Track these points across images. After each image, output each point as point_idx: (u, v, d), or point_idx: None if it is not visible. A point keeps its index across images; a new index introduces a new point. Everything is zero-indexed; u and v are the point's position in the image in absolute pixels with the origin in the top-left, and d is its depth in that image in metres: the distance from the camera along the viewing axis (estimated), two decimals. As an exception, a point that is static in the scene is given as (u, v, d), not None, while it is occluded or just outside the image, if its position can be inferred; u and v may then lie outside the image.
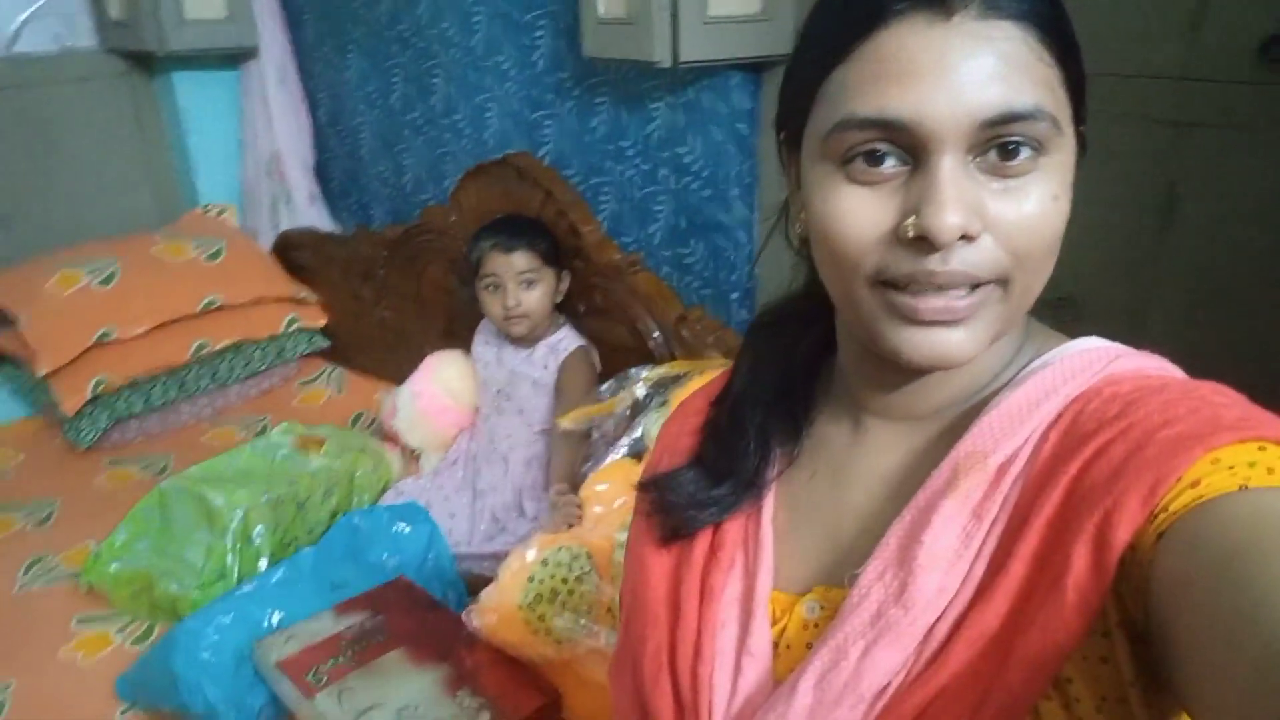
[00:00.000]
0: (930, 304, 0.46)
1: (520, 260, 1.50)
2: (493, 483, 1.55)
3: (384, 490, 1.61)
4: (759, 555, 0.54)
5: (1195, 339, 1.25)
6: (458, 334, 1.83)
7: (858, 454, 0.55)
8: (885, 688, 0.46)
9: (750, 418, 0.58)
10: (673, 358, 1.48)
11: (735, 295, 1.61)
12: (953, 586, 0.45)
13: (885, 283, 0.47)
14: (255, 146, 2.20)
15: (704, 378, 1.32)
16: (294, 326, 2.09)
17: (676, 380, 1.34)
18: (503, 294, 1.51)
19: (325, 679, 1.12)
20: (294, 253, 2.15)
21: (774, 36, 1.45)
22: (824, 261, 0.50)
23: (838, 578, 0.52)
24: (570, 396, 1.48)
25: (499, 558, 1.44)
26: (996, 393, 0.51)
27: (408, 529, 1.39)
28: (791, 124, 0.52)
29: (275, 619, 1.22)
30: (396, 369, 2.02)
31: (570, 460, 1.49)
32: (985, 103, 0.43)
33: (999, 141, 0.44)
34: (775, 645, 0.52)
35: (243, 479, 1.51)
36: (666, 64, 1.39)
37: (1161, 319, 1.28)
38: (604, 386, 1.40)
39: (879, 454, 0.54)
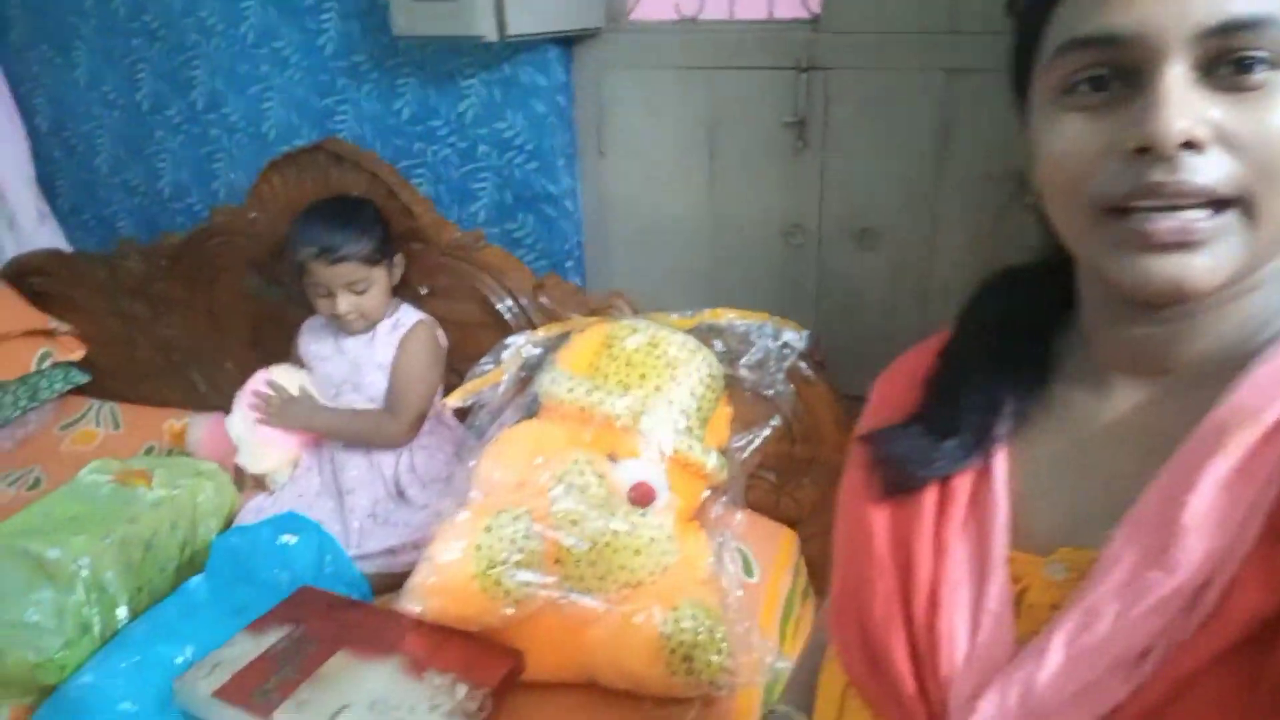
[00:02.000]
0: (1164, 225, 0.44)
1: (347, 271, 1.44)
2: (359, 479, 1.49)
3: (231, 514, 1.48)
4: (993, 514, 0.53)
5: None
6: (266, 342, 1.72)
7: (1103, 412, 0.54)
8: (1146, 652, 0.44)
9: (979, 374, 0.58)
10: (532, 327, 1.52)
11: (569, 264, 1.68)
12: (1220, 550, 0.44)
13: (1113, 211, 0.46)
14: (-41, 164, 1.88)
15: (585, 335, 1.38)
16: (47, 362, 1.83)
17: (561, 340, 1.39)
18: (333, 301, 1.46)
19: (275, 697, 1.05)
20: (32, 279, 1.87)
21: (588, 9, 1.53)
22: (1051, 199, 0.49)
23: (1084, 539, 0.50)
24: (412, 369, 1.46)
25: (394, 552, 1.41)
26: (1261, 348, 0.48)
27: (294, 540, 1.31)
28: (1021, 78, 0.52)
29: (188, 653, 1.11)
30: (188, 392, 1.86)
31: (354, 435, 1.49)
32: (1210, 10, 0.43)
33: (1231, 57, 0.43)
34: (1016, 605, 0.51)
35: (71, 526, 1.32)
36: (493, 38, 1.42)
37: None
38: (481, 361, 1.40)
39: (1126, 412, 0.53)
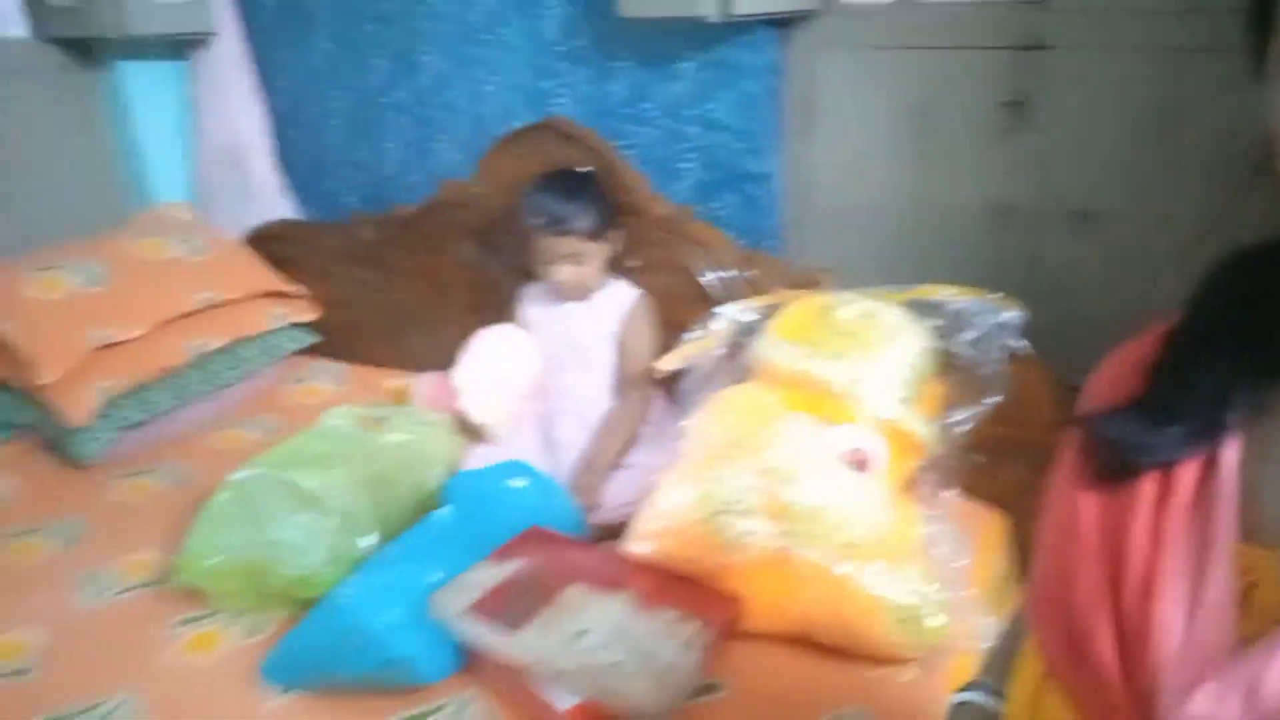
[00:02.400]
0: None
1: (568, 244, 1.54)
2: (571, 438, 1.58)
3: (455, 462, 1.60)
4: (1221, 503, 0.52)
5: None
6: (485, 308, 1.83)
7: None
8: None
9: (1210, 358, 0.55)
10: (736, 300, 1.57)
11: (769, 244, 1.72)
12: None
13: None
14: (212, 139, 2.09)
15: (798, 305, 1.43)
16: (283, 322, 2.01)
17: (772, 310, 1.44)
18: (553, 269, 1.56)
19: (521, 617, 1.14)
20: (272, 245, 2.06)
21: (808, -10, 1.57)
22: None
23: None
24: (639, 346, 1.54)
25: (600, 505, 1.49)
26: None
27: (523, 484, 1.41)
28: (1259, 50, 0.51)
29: (438, 575, 1.21)
30: (407, 354, 2.00)
31: (629, 433, 1.55)
32: None
33: None
34: (1244, 600, 0.50)
35: (322, 461, 1.46)
36: (717, 19, 1.49)
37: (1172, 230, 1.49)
38: (692, 330, 1.47)
39: None
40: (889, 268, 1.67)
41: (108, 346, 1.72)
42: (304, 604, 1.29)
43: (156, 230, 1.94)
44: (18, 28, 1.92)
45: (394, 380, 1.97)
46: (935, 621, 1.18)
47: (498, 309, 1.76)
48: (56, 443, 1.73)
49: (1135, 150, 1.45)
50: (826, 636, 1.22)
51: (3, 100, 1.88)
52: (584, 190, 1.56)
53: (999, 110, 1.52)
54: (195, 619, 1.34)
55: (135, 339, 1.76)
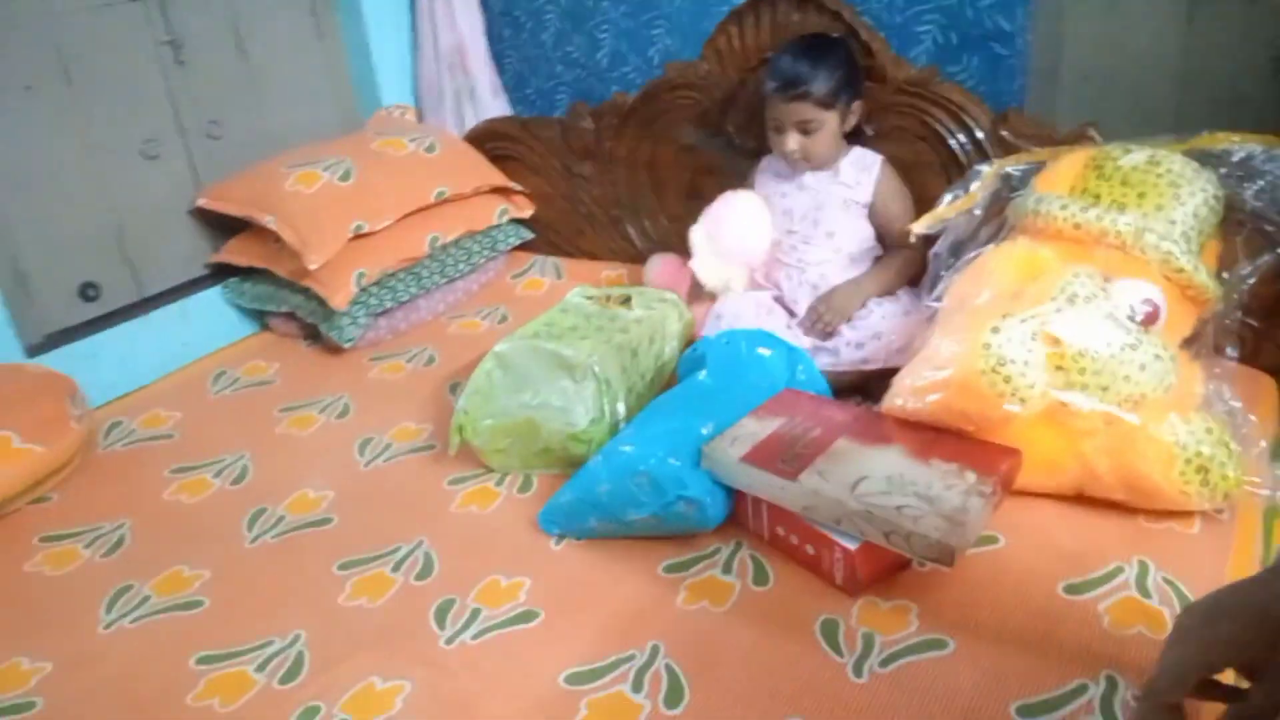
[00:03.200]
0: None
1: (800, 110, 1.51)
2: (805, 298, 1.58)
3: (690, 336, 1.62)
4: None
5: None
6: (703, 193, 1.83)
7: None
8: None
9: None
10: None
11: (1015, 105, 1.64)
12: None
13: None
14: (435, 41, 2.16)
15: (1066, 159, 1.36)
16: (505, 218, 2.08)
17: (1036, 167, 1.37)
18: (784, 138, 1.53)
19: (797, 464, 1.15)
20: (491, 143, 2.12)
21: None
22: None
23: None
24: (897, 208, 1.51)
25: (835, 352, 1.49)
26: None
27: (769, 352, 1.41)
28: None
29: (709, 427, 1.24)
30: (623, 245, 2.03)
31: (893, 278, 1.53)
32: None
33: None
34: None
35: (575, 333, 1.52)
36: None
37: None
38: (950, 190, 1.42)
39: None
40: (1150, 130, 1.56)
41: (361, 236, 1.83)
42: (570, 461, 1.36)
43: (392, 129, 2.04)
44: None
45: (612, 270, 2.02)
46: (1232, 471, 1.12)
47: (718, 192, 1.76)
48: (316, 329, 1.87)
49: None
50: (1107, 490, 1.18)
51: (246, 6, 1.99)
52: (825, 56, 1.51)
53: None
54: (468, 477, 1.42)
55: (384, 229, 1.86)
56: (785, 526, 1.17)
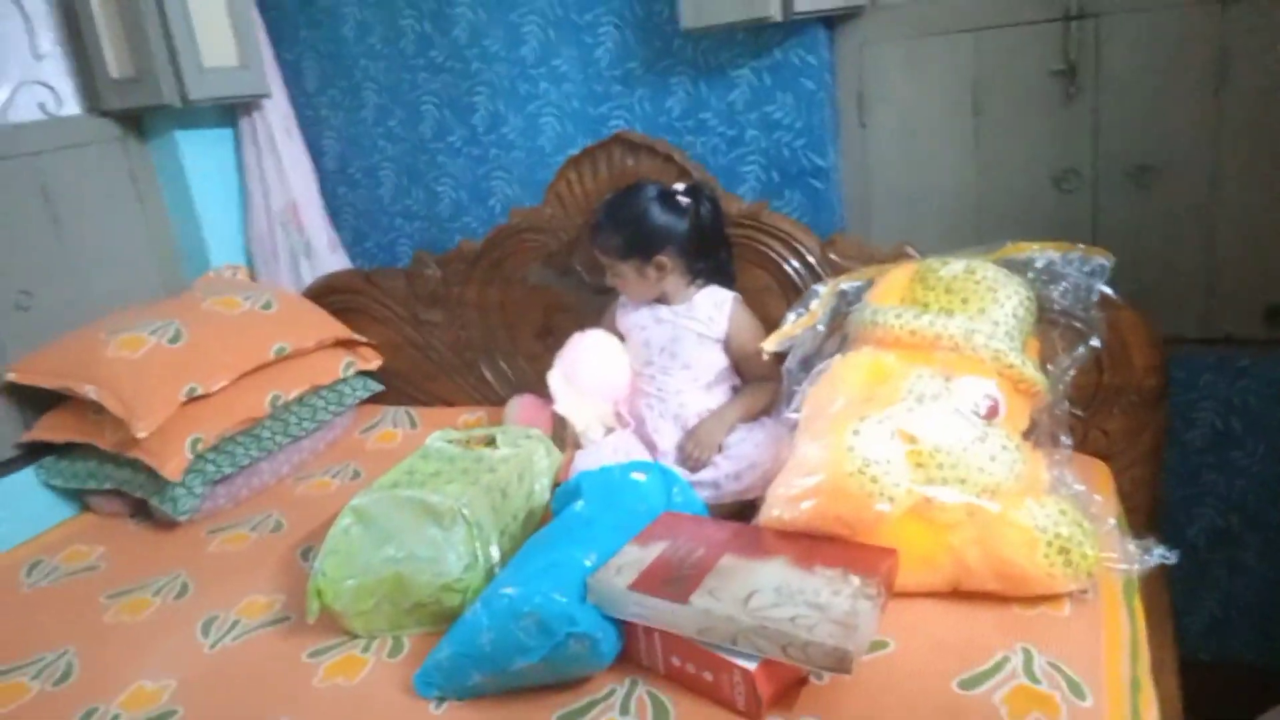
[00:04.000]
0: None
1: (603, 260, 1.63)
2: (670, 439, 1.59)
3: (558, 473, 1.59)
4: None
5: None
6: (556, 331, 1.85)
7: None
8: None
9: None
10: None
11: (838, 231, 1.77)
12: None
13: None
14: (266, 200, 2.12)
15: (893, 274, 1.46)
16: (351, 370, 2.02)
17: (866, 283, 1.47)
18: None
19: (686, 587, 1.13)
20: (333, 298, 2.07)
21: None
22: None
23: None
24: (752, 341, 1.56)
25: (717, 485, 1.50)
26: None
27: (644, 477, 1.41)
28: None
29: (593, 557, 1.20)
30: (478, 387, 2.00)
31: (755, 404, 1.58)
32: None
33: None
34: None
35: (438, 479, 1.46)
36: (779, 18, 1.56)
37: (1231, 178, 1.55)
38: (792, 310, 1.50)
39: None
40: (956, 245, 1.72)
41: (194, 400, 1.71)
42: (444, 616, 1.28)
43: (224, 289, 1.96)
44: (73, 106, 1.96)
45: (469, 414, 1.98)
46: (1090, 550, 1.19)
47: (571, 329, 1.78)
48: (144, 504, 1.71)
49: (1189, 104, 1.52)
50: (980, 582, 1.21)
51: (61, 174, 1.90)
52: (619, 211, 1.59)
53: (1050, 79, 1.59)
54: (331, 647, 1.31)
55: (219, 391, 1.75)
56: (680, 655, 1.13)
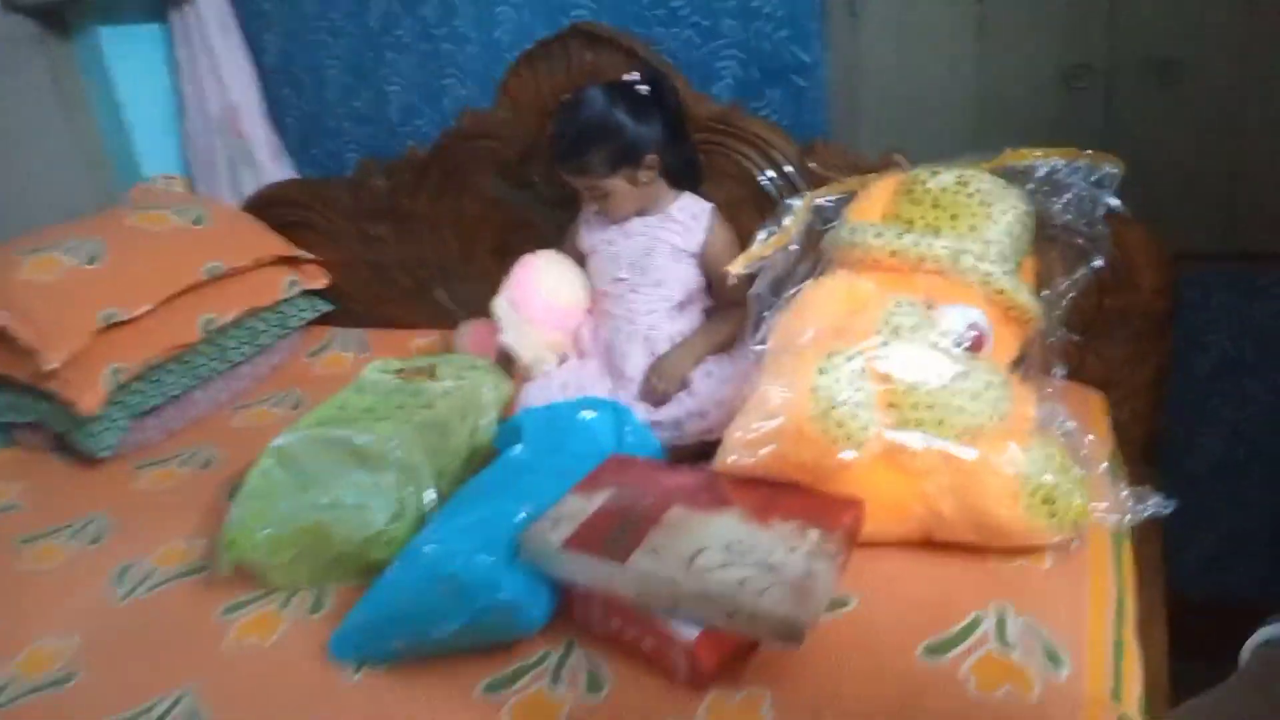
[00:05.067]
0: None
1: (583, 180, 1.43)
2: (639, 365, 1.45)
3: (507, 405, 1.46)
4: None
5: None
6: (514, 250, 1.68)
7: None
8: None
9: None
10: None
11: (819, 136, 1.59)
12: None
13: None
14: (202, 105, 1.94)
15: (876, 186, 1.30)
16: (295, 290, 1.87)
17: (846, 196, 1.31)
18: (586, 204, 1.44)
19: (627, 543, 1.01)
20: (275, 211, 1.91)
21: None
22: None
23: None
24: (728, 259, 1.40)
25: (679, 424, 1.36)
26: None
27: (593, 415, 1.28)
28: None
29: (525, 511, 1.08)
30: (433, 311, 1.86)
31: (725, 335, 1.43)
32: None
33: None
34: None
35: (370, 415, 1.33)
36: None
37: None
38: (762, 229, 1.33)
39: None
40: (952, 152, 1.54)
41: (114, 326, 1.57)
42: (369, 569, 1.15)
43: (152, 203, 1.80)
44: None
45: (423, 339, 1.84)
46: (1077, 499, 1.06)
47: (530, 248, 1.62)
48: (66, 439, 1.59)
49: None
50: (954, 532, 1.09)
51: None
52: (596, 121, 1.39)
53: (1063, -40, 1.39)
54: (248, 602, 1.20)
55: (143, 316, 1.61)
56: (621, 619, 1.02)
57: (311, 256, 1.90)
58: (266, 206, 1.91)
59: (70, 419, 1.55)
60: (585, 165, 1.40)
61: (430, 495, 1.25)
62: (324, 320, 1.96)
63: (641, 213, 1.46)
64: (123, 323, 1.59)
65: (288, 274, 1.87)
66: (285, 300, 1.87)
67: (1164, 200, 1.44)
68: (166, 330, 1.64)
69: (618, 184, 1.42)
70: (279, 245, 1.86)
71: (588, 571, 1.01)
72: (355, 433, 1.26)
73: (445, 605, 1.00)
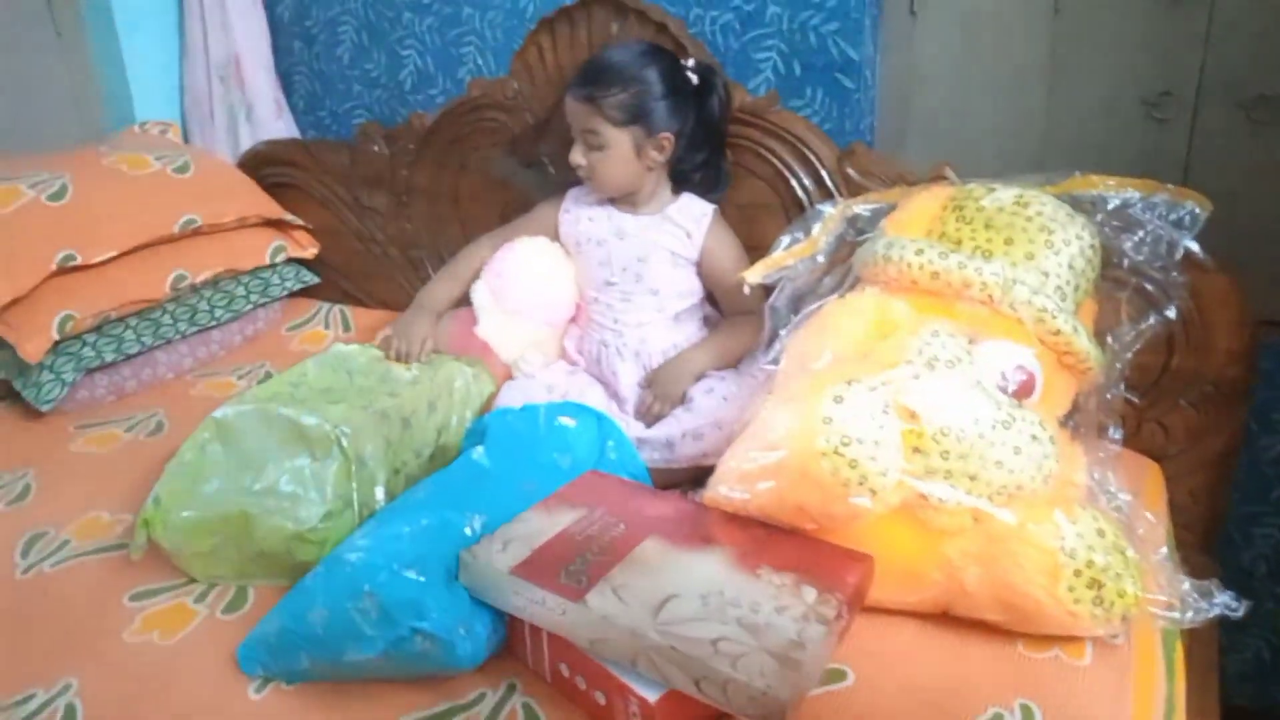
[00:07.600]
0: None
1: (587, 115, 1.24)
2: (631, 384, 1.30)
3: (487, 406, 1.31)
4: None
5: None
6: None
7: None
8: None
9: None
10: (832, 206, 1.28)
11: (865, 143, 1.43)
12: None
13: None
14: (205, 52, 1.82)
15: (920, 198, 1.14)
16: (281, 256, 1.73)
17: (886, 207, 1.15)
18: (574, 148, 1.28)
19: (585, 578, 0.85)
20: (268, 170, 1.77)
21: None
22: None
23: None
24: (733, 267, 1.25)
25: (671, 445, 1.21)
26: None
27: (573, 423, 1.12)
28: None
29: (476, 525, 0.93)
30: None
31: (732, 349, 1.28)
32: None
33: None
34: None
35: (327, 396, 1.19)
36: None
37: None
38: (787, 233, 1.18)
39: None
40: (1011, 173, 1.39)
41: (72, 270, 1.44)
42: (298, 569, 1.00)
43: (135, 146, 1.67)
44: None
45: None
46: (1130, 587, 0.89)
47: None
48: (8, 386, 1.46)
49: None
50: (978, 608, 0.93)
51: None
52: (629, 65, 1.24)
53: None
54: (161, 590, 1.06)
55: (106, 263, 1.48)
56: (569, 665, 0.86)
57: (300, 222, 1.76)
58: (260, 164, 1.77)
59: (15, 365, 1.42)
60: (599, 100, 1.22)
61: (380, 493, 1.11)
62: (307, 293, 1.82)
63: (632, 206, 1.31)
64: (82, 267, 1.45)
65: (275, 238, 1.73)
66: (269, 266, 1.73)
67: (1246, 253, 1.27)
68: (131, 282, 1.50)
69: (621, 140, 1.24)
70: (266, 206, 1.71)
71: (535, 606, 0.85)
72: (304, 412, 1.12)
73: (364, 626, 0.84)
